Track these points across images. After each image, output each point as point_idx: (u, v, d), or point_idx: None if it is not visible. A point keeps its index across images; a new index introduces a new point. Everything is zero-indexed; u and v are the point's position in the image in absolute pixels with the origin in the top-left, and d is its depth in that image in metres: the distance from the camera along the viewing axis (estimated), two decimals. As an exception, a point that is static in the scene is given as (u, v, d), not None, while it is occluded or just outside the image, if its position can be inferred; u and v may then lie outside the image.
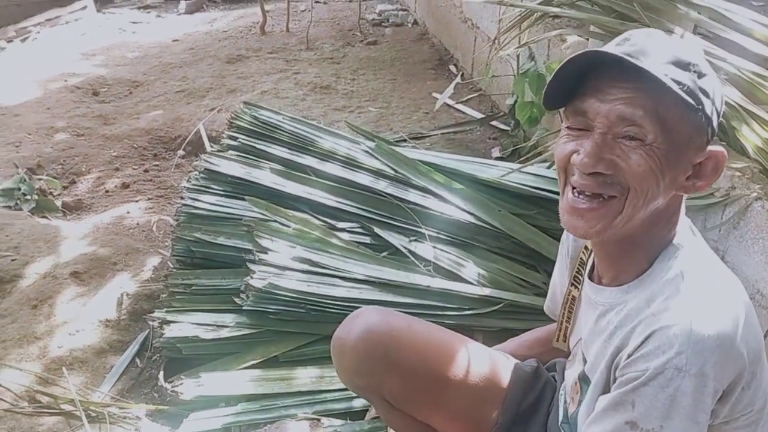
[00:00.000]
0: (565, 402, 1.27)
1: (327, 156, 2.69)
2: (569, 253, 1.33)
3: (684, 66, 0.98)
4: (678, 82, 0.96)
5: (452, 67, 4.55)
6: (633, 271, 1.07)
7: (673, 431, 0.94)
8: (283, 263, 2.23)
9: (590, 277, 1.19)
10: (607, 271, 1.13)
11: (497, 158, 3.20)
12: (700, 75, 0.99)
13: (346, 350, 1.39)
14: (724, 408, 0.98)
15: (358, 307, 2.10)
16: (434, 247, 2.38)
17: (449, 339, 1.43)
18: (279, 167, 2.62)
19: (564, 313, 1.31)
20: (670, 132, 0.98)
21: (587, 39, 2.47)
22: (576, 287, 1.26)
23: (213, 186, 2.54)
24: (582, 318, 1.21)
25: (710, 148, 1.03)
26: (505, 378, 1.40)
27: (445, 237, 2.43)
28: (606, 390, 1.04)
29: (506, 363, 1.43)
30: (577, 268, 1.27)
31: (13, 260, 2.55)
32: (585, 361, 1.17)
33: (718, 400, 0.97)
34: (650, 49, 0.98)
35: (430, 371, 1.36)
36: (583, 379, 1.15)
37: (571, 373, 1.23)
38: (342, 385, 1.87)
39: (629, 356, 0.98)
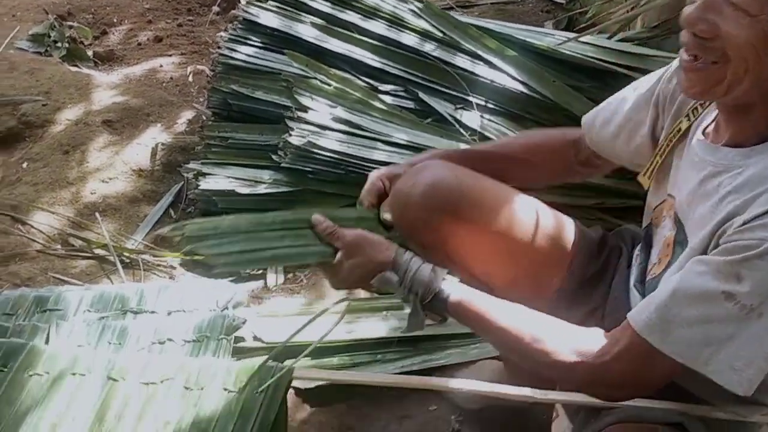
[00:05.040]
0: (641, 262, 1.19)
1: (371, 13, 2.52)
2: (659, 100, 1.20)
3: None
4: None
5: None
6: (754, 134, 0.98)
7: None
8: (322, 122, 2.14)
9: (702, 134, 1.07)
10: (725, 129, 1.02)
11: (551, 30, 3.01)
12: None
13: (411, 203, 1.29)
14: None
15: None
16: (481, 116, 2.26)
17: (517, 198, 1.33)
18: (320, 22, 2.47)
19: (664, 146, 1.18)
20: None
21: None
22: (688, 119, 1.14)
23: (251, 37, 2.40)
24: (680, 177, 1.10)
25: None
26: (569, 242, 1.32)
27: (493, 106, 2.30)
28: (703, 254, 0.96)
29: (571, 227, 1.34)
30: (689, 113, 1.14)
31: (44, 105, 2.49)
32: (679, 224, 1.07)
33: None
34: None
35: (498, 229, 1.27)
36: (680, 243, 1.06)
37: (663, 234, 1.14)
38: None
39: (746, 223, 0.90)
